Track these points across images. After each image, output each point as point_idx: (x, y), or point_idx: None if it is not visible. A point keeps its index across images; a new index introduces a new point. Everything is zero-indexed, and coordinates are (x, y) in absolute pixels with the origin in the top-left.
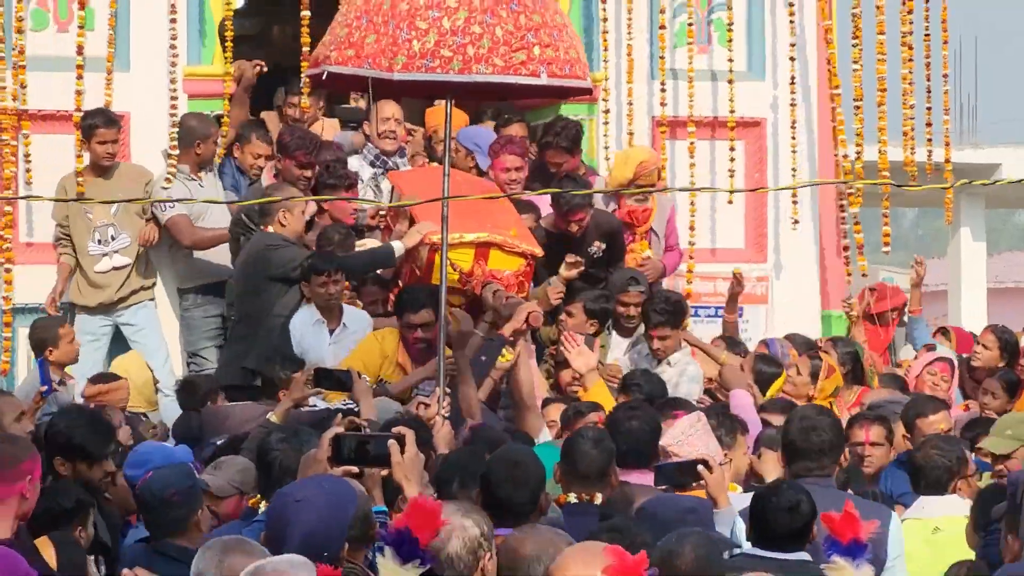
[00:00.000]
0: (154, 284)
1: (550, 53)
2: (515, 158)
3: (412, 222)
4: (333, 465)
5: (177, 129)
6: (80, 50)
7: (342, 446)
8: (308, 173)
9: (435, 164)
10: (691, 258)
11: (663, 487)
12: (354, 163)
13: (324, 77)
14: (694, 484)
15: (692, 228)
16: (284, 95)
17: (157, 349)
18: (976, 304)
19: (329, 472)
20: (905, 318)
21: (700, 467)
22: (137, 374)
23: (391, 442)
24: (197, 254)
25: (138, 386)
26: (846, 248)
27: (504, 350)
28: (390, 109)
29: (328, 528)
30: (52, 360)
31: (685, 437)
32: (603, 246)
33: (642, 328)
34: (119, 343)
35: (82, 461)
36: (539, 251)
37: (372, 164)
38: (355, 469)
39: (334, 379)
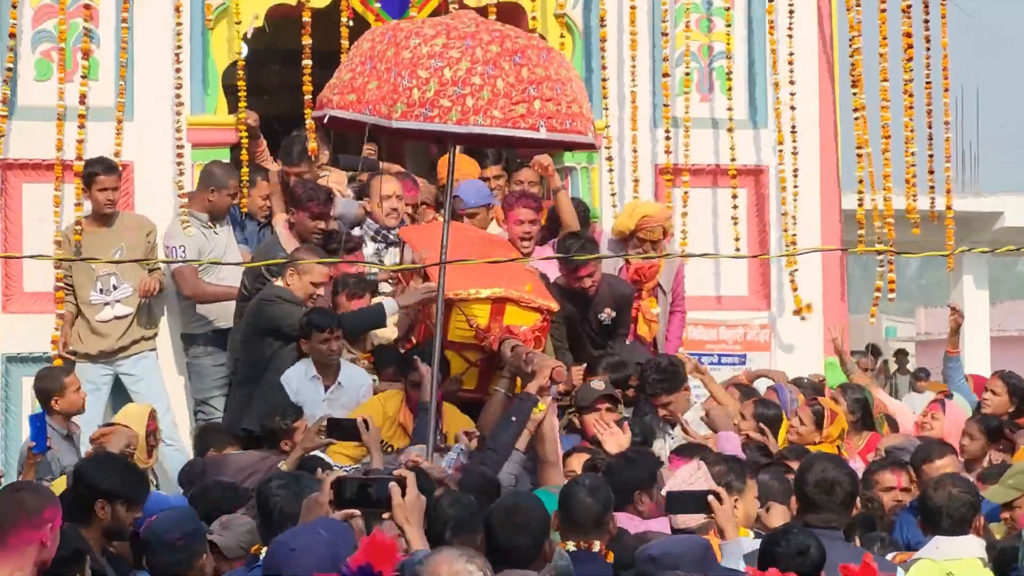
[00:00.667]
0: (156, 335)
1: (551, 107)
2: (529, 211)
3: (425, 278)
4: (335, 508)
5: (200, 172)
6: (83, 99)
7: (344, 489)
8: (322, 224)
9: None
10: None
11: (674, 514)
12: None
13: (326, 120)
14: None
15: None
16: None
17: (157, 399)
18: (980, 352)
19: (330, 515)
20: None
21: (711, 498)
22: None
23: (392, 485)
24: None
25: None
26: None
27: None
28: (391, 186)
29: None
30: (58, 410)
31: (687, 485)
32: (613, 314)
33: None
34: (119, 392)
35: (123, 505)
36: (555, 306)
37: (373, 239)
38: (356, 512)
39: (345, 429)
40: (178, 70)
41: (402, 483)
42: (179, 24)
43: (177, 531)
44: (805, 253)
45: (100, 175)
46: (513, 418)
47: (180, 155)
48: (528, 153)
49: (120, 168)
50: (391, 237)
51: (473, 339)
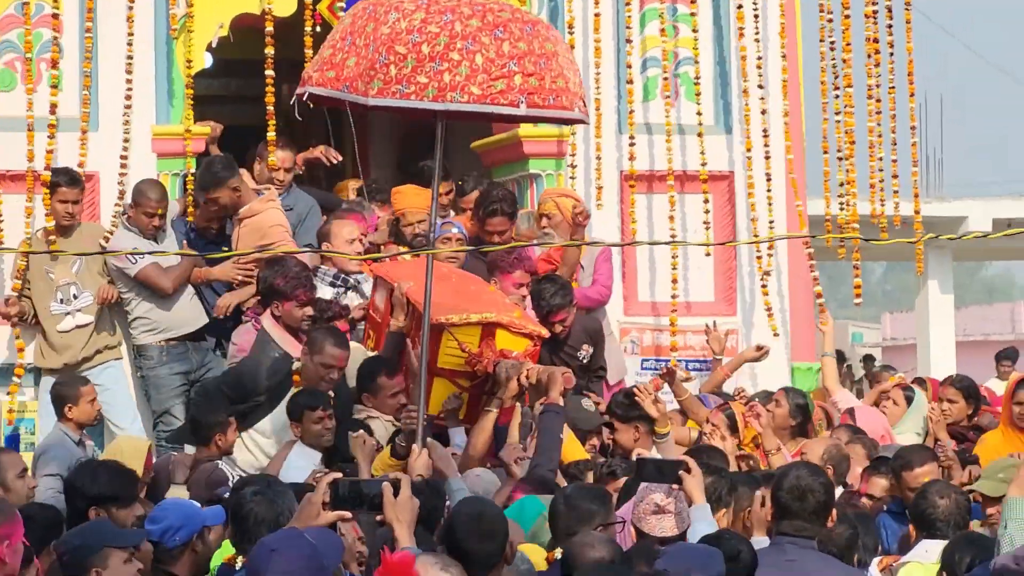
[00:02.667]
0: (120, 343)
1: (533, 82)
2: (526, 275)
3: (414, 313)
4: (330, 508)
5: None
6: (53, 110)
7: (338, 488)
8: (310, 311)
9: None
10: (674, 311)
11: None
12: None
13: (305, 98)
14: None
15: (675, 281)
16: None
17: (126, 408)
18: (945, 357)
19: (324, 514)
20: None
21: (681, 471)
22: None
23: (385, 485)
24: (154, 312)
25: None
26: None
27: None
28: (349, 230)
29: None
30: (71, 418)
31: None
32: (591, 350)
33: None
34: None
35: (116, 506)
36: (545, 332)
37: (332, 284)
38: (348, 515)
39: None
40: (129, 80)
41: (396, 484)
42: (131, 35)
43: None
44: (771, 240)
45: (62, 186)
46: (559, 433)
47: (124, 164)
48: (494, 160)
49: (83, 180)
50: (351, 281)
51: (464, 365)
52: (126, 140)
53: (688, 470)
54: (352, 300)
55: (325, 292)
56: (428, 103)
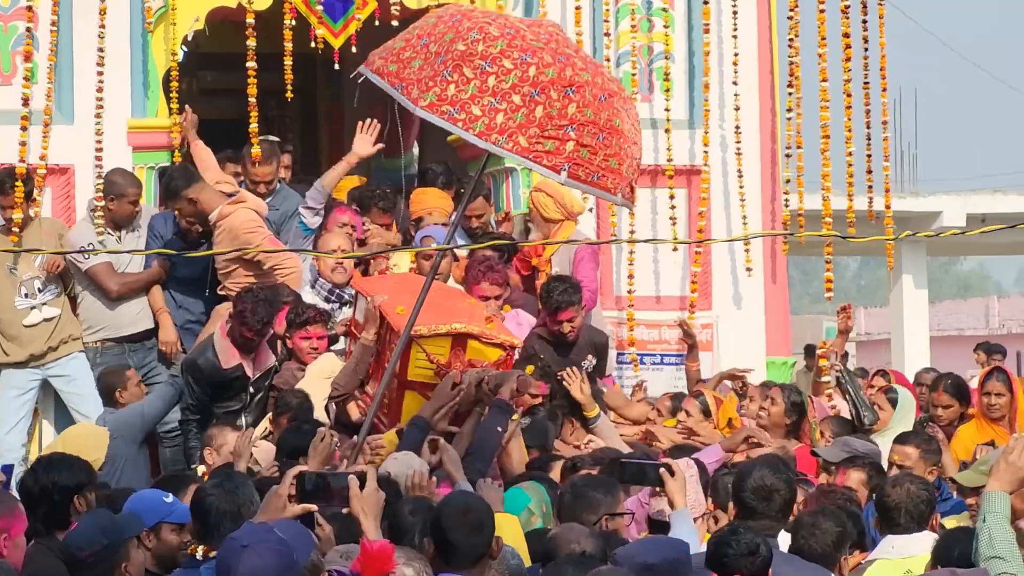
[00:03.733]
0: (82, 335)
1: (584, 154)
2: (495, 287)
3: (389, 328)
4: (296, 501)
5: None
6: (26, 102)
7: (304, 482)
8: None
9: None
10: (631, 306)
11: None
12: (308, 297)
13: (360, 80)
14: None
15: (631, 277)
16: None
17: (88, 397)
18: (919, 352)
19: (289, 507)
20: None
21: (663, 470)
22: (92, 451)
23: (351, 478)
24: (93, 311)
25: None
26: None
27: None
28: (337, 241)
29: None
30: (123, 402)
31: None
32: (595, 360)
33: None
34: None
35: (93, 491)
36: (517, 340)
37: (327, 300)
38: (314, 508)
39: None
40: (100, 74)
41: (362, 477)
42: (103, 27)
43: (85, 549)
44: (750, 238)
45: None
46: (498, 428)
47: (99, 158)
48: (471, 154)
49: (13, 181)
50: (345, 296)
51: (434, 377)
52: (99, 134)
53: (672, 473)
54: (346, 315)
55: (318, 304)
56: (472, 137)
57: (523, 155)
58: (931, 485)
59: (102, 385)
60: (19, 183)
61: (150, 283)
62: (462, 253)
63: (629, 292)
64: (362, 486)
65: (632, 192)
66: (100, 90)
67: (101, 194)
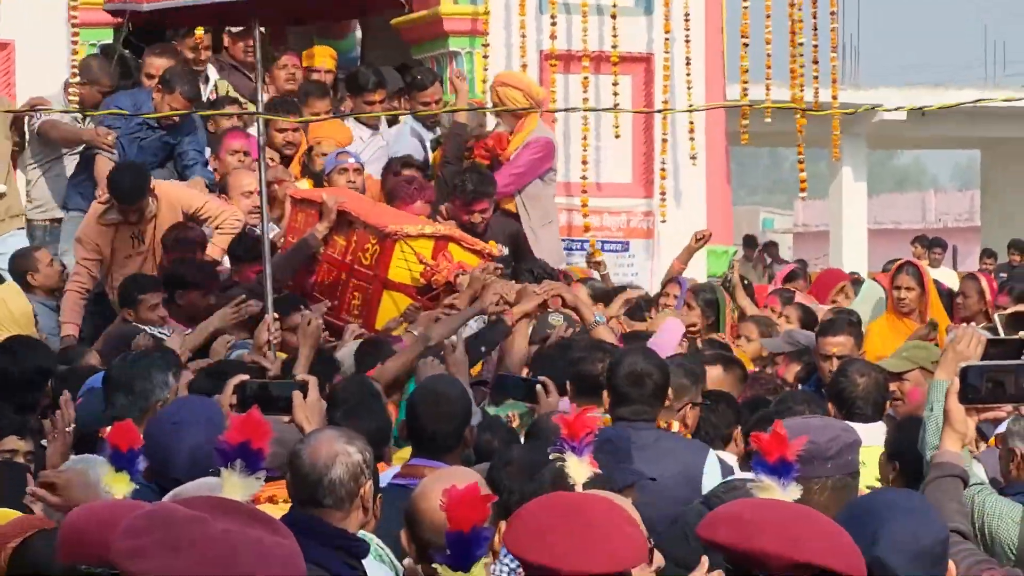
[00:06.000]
0: (23, 212)
1: None
2: (426, 206)
3: (352, 231)
4: (237, 411)
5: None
6: None
7: (246, 390)
8: (212, 300)
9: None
10: (584, 192)
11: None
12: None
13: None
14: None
15: (585, 163)
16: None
17: None
18: (857, 244)
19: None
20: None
21: (539, 387)
22: (15, 306)
23: (294, 387)
24: (45, 192)
25: (16, 318)
26: None
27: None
28: (250, 180)
29: (211, 445)
30: (36, 285)
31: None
32: (506, 250)
33: None
34: None
35: None
36: (495, 250)
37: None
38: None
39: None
40: None
41: (304, 386)
42: None
43: None
44: (706, 109)
45: None
46: (483, 348)
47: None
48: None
49: None
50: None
51: (417, 278)
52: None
53: (547, 391)
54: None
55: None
56: None
57: None
58: (885, 372)
59: (12, 270)
60: None
61: (72, 140)
62: (375, 175)
63: (582, 179)
64: (304, 395)
65: None
66: None
67: (80, 79)
